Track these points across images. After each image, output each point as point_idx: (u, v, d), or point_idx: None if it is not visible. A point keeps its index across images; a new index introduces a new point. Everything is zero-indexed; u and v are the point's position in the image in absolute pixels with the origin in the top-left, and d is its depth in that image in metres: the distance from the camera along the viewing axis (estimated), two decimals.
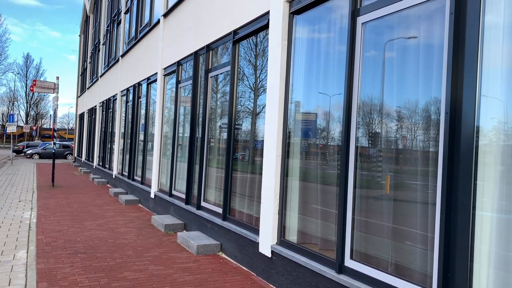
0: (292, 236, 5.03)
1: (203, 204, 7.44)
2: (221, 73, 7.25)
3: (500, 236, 2.86)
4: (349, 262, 4.01)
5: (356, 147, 4.09)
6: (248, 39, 6.45)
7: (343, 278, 3.94)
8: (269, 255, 5.14)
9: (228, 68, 6.82)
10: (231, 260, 6.06)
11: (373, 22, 3.98)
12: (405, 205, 3.64)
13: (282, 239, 5.07)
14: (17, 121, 29.30)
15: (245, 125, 6.58)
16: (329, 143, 4.67)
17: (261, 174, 5.61)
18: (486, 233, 2.93)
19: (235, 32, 6.58)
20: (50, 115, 74.96)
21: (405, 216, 3.64)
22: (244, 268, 5.72)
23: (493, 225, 2.90)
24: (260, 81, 6.25)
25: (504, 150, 2.88)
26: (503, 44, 2.89)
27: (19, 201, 10.82)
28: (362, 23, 4.08)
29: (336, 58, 4.51)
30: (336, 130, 4.52)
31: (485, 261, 2.92)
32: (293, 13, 5.15)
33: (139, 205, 11.11)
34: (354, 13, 4.14)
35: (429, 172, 3.39)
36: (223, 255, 6.32)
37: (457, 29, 3.10)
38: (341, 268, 4.06)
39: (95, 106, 20.78)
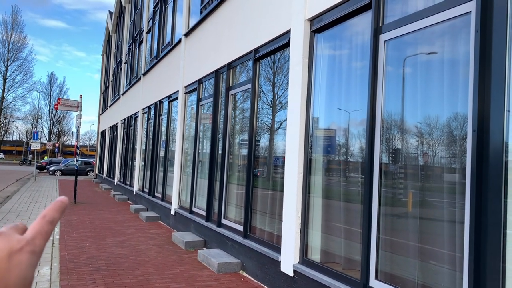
0: (315, 255, 4.97)
1: (223, 221, 7.43)
2: (241, 91, 7.31)
3: None
4: (374, 283, 3.93)
5: (380, 164, 4.05)
6: (268, 57, 6.51)
7: None
8: (291, 274, 5.08)
9: (249, 85, 6.88)
10: (252, 279, 6.01)
11: (396, 40, 3.98)
12: (431, 224, 3.57)
13: (304, 258, 5.01)
14: (40, 138, 29.91)
15: (265, 142, 6.59)
16: (350, 160, 4.64)
17: (282, 191, 5.58)
18: None
19: (256, 50, 6.65)
20: (73, 132, 76.65)
21: (431, 235, 3.56)
22: (266, 287, 5.66)
23: None
24: (278, 98, 6.28)
25: None
26: None
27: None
28: (384, 41, 4.08)
29: (358, 75, 4.51)
30: (357, 146, 4.49)
31: None
32: (314, 32, 5.18)
33: (160, 221, 11.17)
34: (377, 31, 4.15)
35: (456, 190, 3.32)
36: (244, 274, 6.27)
37: (483, 46, 3.07)
38: None
39: (117, 123, 21.15)
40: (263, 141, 6.64)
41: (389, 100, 4.03)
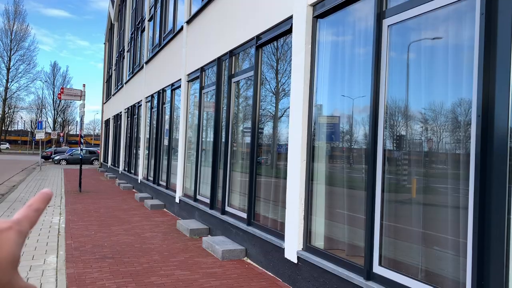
0: (319, 241, 4.98)
1: (227, 209, 7.45)
2: (244, 78, 7.27)
3: None
4: (377, 269, 3.93)
5: (384, 150, 4.03)
6: (271, 43, 6.45)
7: (371, 285, 3.87)
8: (295, 261, 5.10)
9: (251, 73, 6.83)
10: (257, 266, 6.04)
11: (400, 24, 3.92)
12: (435, 210, 3.55)
13: (308, 245, 5.03)
14: (45, 128, 30.01)
15: (268, 129, 6.57)
16: (354, 147, 4.62)
17: (285, 178, 5.58)
18: None
19: (258, 37, 6.59)
20: (77, 121, 76.93)
21: (434, 221, 3.55)
22: (270, 273, 5.69)
23: None
24: (281, 85, 6.24)
25: None
26: None
27: (48, 206, 11.09)
28: (388, 26, 4.02)
29: (361, 61, 4.46)
30: (360, 133, 4.46)
31: None
32: (317, 17, 5.12)
33: (164, 209, 11.23)
34: (380, 15, 4.09)
35: (460, 176, 3.30)
36: (248, 261, 6.31)
37: (488, 30, 3.02)
38: (369, 275, 3.99)
39: (121, 112, 21.15)
40: (267, 129, 6.62)
41: (393, 86, 3.99)
